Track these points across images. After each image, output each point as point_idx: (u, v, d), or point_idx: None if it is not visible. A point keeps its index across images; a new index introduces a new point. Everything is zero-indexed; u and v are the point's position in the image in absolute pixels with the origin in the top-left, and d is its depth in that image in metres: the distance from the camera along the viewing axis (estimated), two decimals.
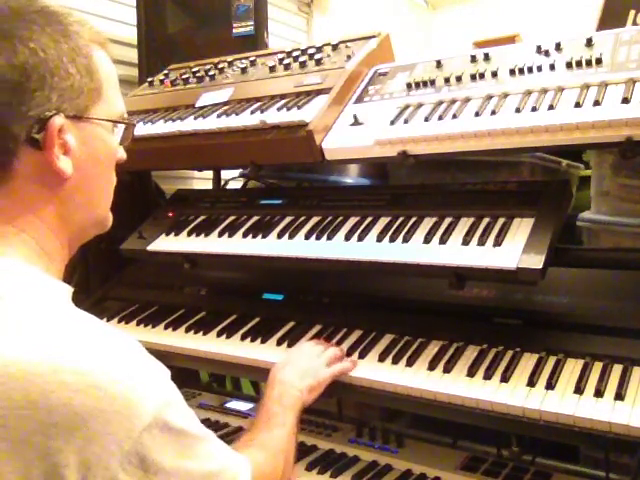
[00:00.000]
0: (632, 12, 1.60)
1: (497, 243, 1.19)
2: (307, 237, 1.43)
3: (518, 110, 1.22)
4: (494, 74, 1.37)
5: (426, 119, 1.31)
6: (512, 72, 1.35)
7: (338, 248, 1.36)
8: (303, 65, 1.66)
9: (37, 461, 0.62)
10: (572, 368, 1.15)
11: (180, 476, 0.71)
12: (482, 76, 1.38)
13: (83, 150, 0.80)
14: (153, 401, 0.68)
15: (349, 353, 1.32)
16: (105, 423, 0.64)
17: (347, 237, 1.38)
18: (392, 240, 1.32)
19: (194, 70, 1.91)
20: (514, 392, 1.11)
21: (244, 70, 1.78)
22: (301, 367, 1.24)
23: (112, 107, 0.85)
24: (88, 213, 0.85)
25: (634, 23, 1.58)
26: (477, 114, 1.26)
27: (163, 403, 0.70)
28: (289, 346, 1.41)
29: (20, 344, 0.66)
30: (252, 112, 1.54)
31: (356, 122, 1.41)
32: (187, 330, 1.58)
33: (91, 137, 0.82)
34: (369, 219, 1.42)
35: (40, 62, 0.74)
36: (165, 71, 2.04)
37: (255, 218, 1.59)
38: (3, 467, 0.62)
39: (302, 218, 1.51)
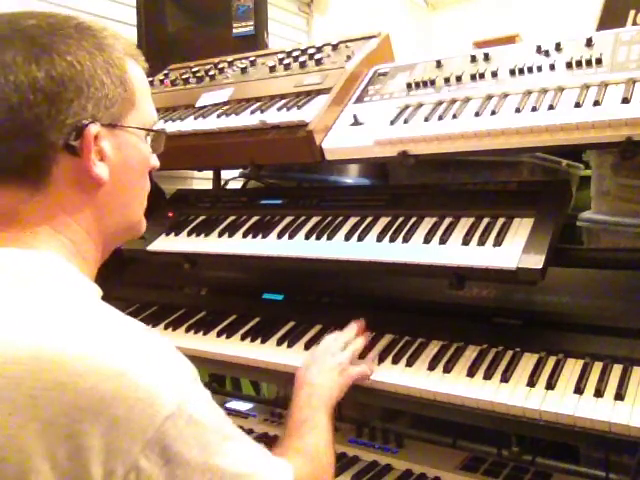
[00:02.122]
0: (632, 12, 1.60)
1: (497, 243, 1.19)
2: (307, 237, 1.43)
3: (518, 110, 1.22)
4: (494, 74, 1.37)
5: (426, 119, 1.31)
6: (512, 72, 1.35)
7: (338, 248, 1.36)
8: (303, 65, 1.66)
9: (62, 442, 0.64)
10: (572, 368, 1.15)
11: (205, 471, 0.71)
12: (482, 76, 1.38)
13: (118, 157, 0.84)
14: (176, 392, 0.70)
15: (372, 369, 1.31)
16: (128, 409, 0.66)
17: (347, 237, 1.38)
18: (392, 240, 1.32)
19: (194, 70, 1.91)
20: (514, 392, 1.11)
21: (244, 70, 1.78)
22: (327, 365, 1.22)
23: (145, 116, 0.89)
24: (122, 218, 0.90)
25: (634, 23, 1.58)
26: (477, 114, 1.26)
27: (187, 396, 0.71)
28: (289, 346, 1.41)
29: (53, 330, 0.68)
30: (252, 112, 1.54)
31: (356, 122, 1.41)
32: (187, 330, 1.58)
33: (125, 144, 0.85)
34: (369, 219, 1.42)
35: (77, 74, 0.78)
36: (165, 71, 2.04)
37: (255, 218, 1.59)
38: (31, 447, 0.63)
39: (302, 218, 1.51)
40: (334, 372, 1.21)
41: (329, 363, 1.23)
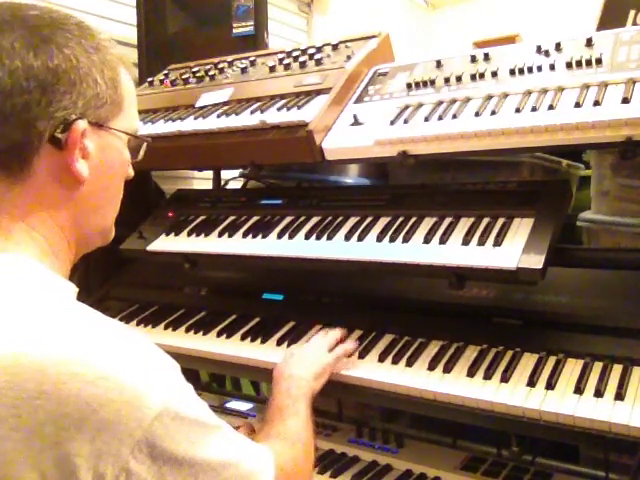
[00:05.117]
0: (632, 12, 1.60)
1: (497, 243, 1.19)
2: (307, 237, 1.43)
3: (518, 110, 1.22)
4: (494, 74, 1.37)
5: (426, 119, 1.31)
6: (512, 72, 1.35)
7: (338, 248, 1.36)
8: (303, 65, 1.66)
9: (48, 451, 0.64)
10: (572, 368, 1.15)
11: (192, 466, 0.72)
12: (482, 76, 1.38)
13: (100, 157, 0.84)
14: (162, 391, 0.70)
15: (349, 353, 1.32)
16: (115, 413, 0.66)
17: (347, 237, 1.38)
18: (392, 240, 1.32)
19: (194, 70, 1.91)
20: (514, 392, 1.11)
21: (244, 70, 1.78)
22: (304, 357, 1.25)
23: (130, 123, 0.90)
24: (97, 220, 0.89)
25: (634, 23, 1.58)
26: (477, 114, 1.26)
27: (172, 393, 0.72)
28: (289, 346, 1.41)
29: (31, 336, 0.68)
30: (252, 112, 1.54)
31: (356, 122, 1.41)
32: (187, 330, 1.58)
33: (108, 147, 0.86)
34: (369, 219, 1.42)
35: (72, 68, 0.79)
36: (165, 71, 2.04)
37: (255, 218, 1.59)
38: (15, 457, 0.63)
39: (302, 218, 1.51)
40: (311, 364, 1.23)
41: (306, 355, 1.25)
